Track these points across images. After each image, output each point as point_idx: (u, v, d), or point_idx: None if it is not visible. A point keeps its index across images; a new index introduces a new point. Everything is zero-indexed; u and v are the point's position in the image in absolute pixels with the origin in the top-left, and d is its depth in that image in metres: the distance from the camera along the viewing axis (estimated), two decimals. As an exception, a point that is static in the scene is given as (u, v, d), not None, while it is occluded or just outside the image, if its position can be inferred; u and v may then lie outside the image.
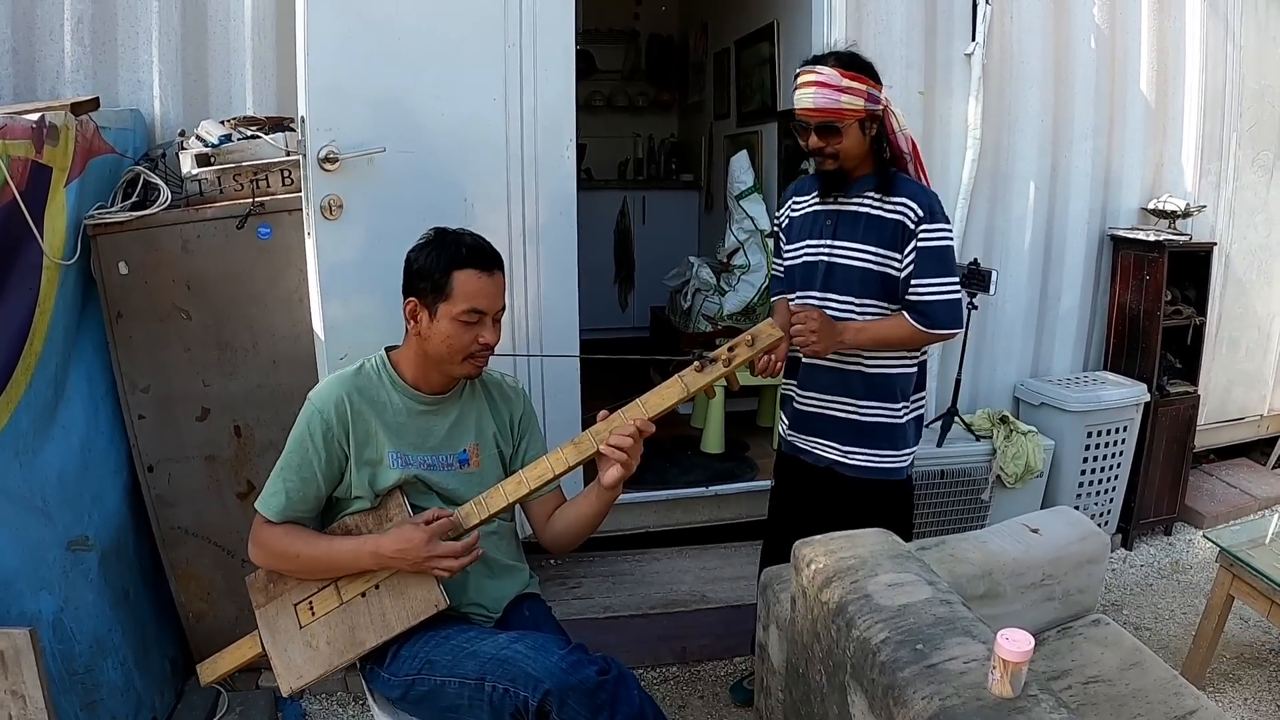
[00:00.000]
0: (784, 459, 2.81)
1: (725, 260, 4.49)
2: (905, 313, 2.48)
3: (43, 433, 2.45)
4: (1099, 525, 3.27)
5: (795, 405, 2.70)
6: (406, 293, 2.08)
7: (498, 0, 2.83)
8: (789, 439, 2.75)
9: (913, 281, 2.45)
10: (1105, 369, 4.15)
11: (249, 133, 2.84)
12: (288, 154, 2.81)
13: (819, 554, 1.98)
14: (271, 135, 2.84)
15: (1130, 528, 4.09)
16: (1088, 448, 3.81)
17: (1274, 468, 4.76)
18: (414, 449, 2.10)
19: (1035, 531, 2.56)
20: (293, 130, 2.83)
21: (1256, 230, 4.38)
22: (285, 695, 2.03)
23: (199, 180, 2.76)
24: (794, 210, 2.69)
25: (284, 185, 2.80)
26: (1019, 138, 3.86)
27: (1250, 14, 4.14)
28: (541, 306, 3.12)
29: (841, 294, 2.53)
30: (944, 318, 2.46)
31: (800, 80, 2.43)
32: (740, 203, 4.45)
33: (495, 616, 2.16)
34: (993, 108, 3.76)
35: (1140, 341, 3.98)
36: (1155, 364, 3.93)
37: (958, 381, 3.70)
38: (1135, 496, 4.04)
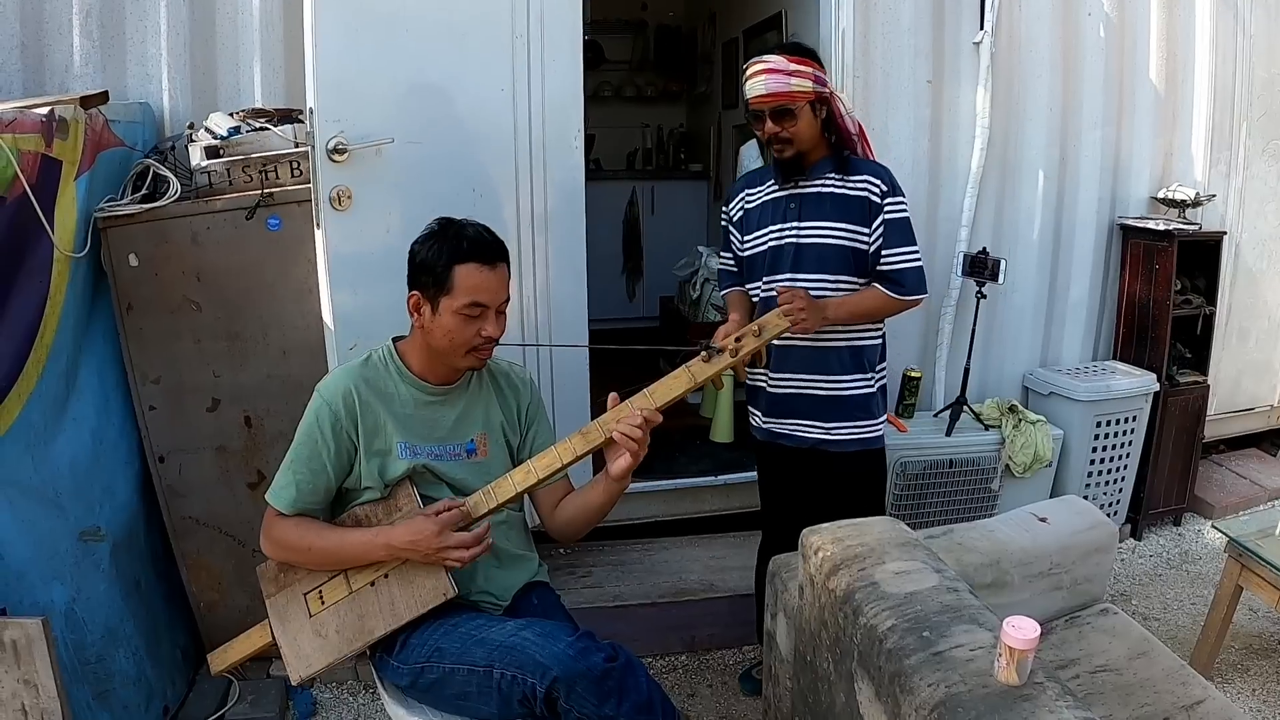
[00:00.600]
0: (764, 447, 2.83)
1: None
2: (877, 284, 2.56)
3: (54, 424, 2.47)
4: (1108, 515, 3.27)
5: (770, 390, 2.72)
6: (410, 286, 2.08)
7: (506, -10, 2.83)
8: (767, 426, 2.76)
9: (883, 253, 2.55)
10: (1114, 359, 4.13)
11: (258, 125, 2.85)
12: (296, 145, 2.82)
13: (826, 542, 1.98)
14: (280, 127, 2.85)
15: (1139, 518, 4.08)
16: (1097, 437, 3.80)
17: (1285, 458, 4.74)
18: (422, 439, 2.11)
19: (1043, 520, 2.56)
20: (301, 122, 2.84)
21: (1267, 219, 4.35)
22: (295, 683, 2.04)
23: (208, 172, 2.77)
24: (749, 202, 2.73)
25: (293, 177, 2.80)
26: (1028, 126, 3.84)
27: (1260, 2, 4.11)
28: (550, 297, 3.12)
29: (814, 273, 2.57)
30: (915, 283, 2.56)
31: (750, 71, 2.51)
32: (749, 192, 4.43)
33: (504, 605, 2.17)
34: (1001, 96, 3.74)
35: (1150, 331, 3.97)
36: (1165, 354, 3.91)
37: (966, 371, 3.69)
38: (1144, 486, 4.03)
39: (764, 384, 2.72)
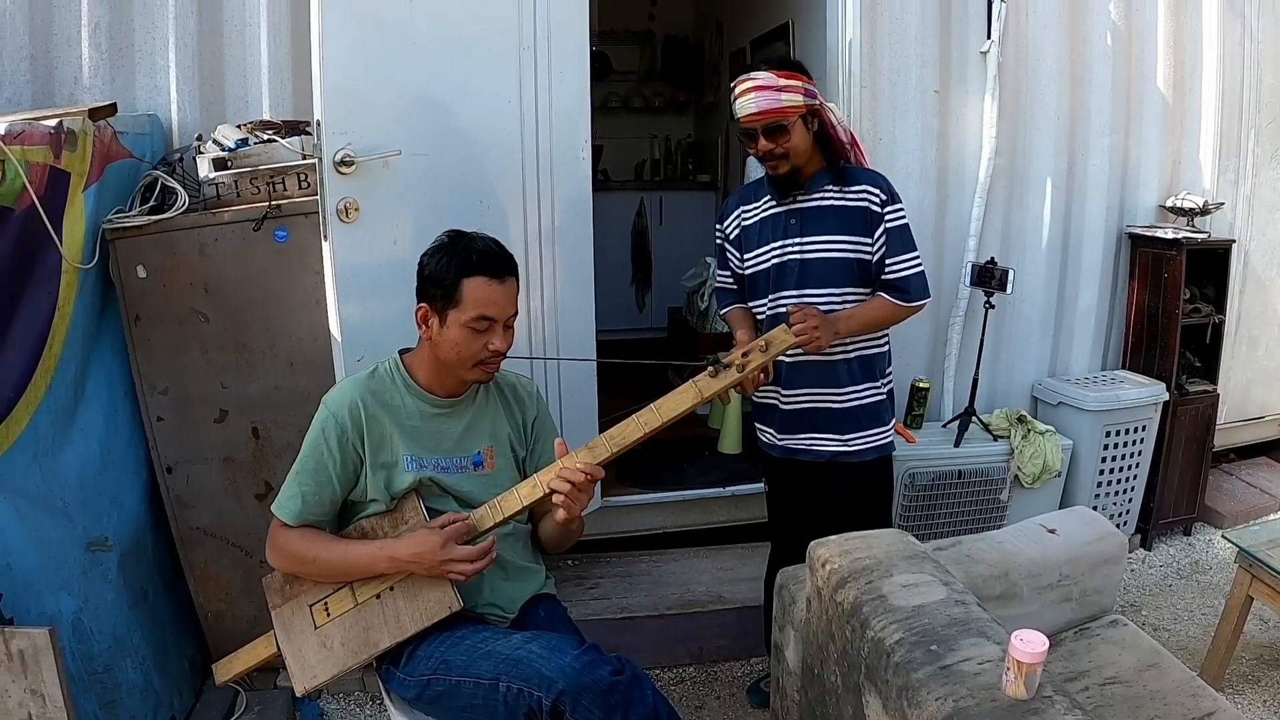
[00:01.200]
0: (777, 464, 2.81)
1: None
2: (883, 293, 2.56)
3: (62, 435, 2.48)
4: (1118, 525, 3.26)
5: (782, 407, 2.70)
6: (418, 297, 2.08)
7: (512, 2, 2.83)
8: (781, 443, 2.74)
9: (887, 262, 2.55)
10: (1124, 368, 4.11)
11: (265, 137, 2.86)
12: (304, 157, 2.83)
13: (834, 555, 1.97)
14: (288, 139, 2.86)
15: (1149, 528, 4.06)
16: (1106, 447, 3.79)
17: (1295, 467, 4.71)
18: (428, 452, 2.11)
19: (1052, 532, 2.55)
20: (309, 134, 2.85)
21: (1275, 227, 4.33)
22: (299, 695, 2.04)
23: (216, 184, 2.79)
24: (745, 219, 2.71)
25: (300, 188, 2.81)
26: (1035, 136, 3.83)
27: (1268, 10, 4.10)
28: (558, 308, 3.12)
29: (820, 288, 2.57)
30: (919, 289, 2.57)
31: (739, 90, 2.49)
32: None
33: (510, 617, 2.17)
34: (1009, 106, 3.74)
35: (1159, 340, 3.95)
36: (1174, 363, 3.89)
37: (975, 381, 3.68)
38: (1154, 496, 4.01)
39: (776, 401, 2.71)
